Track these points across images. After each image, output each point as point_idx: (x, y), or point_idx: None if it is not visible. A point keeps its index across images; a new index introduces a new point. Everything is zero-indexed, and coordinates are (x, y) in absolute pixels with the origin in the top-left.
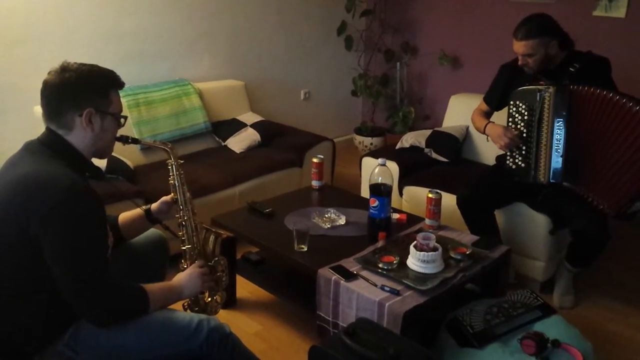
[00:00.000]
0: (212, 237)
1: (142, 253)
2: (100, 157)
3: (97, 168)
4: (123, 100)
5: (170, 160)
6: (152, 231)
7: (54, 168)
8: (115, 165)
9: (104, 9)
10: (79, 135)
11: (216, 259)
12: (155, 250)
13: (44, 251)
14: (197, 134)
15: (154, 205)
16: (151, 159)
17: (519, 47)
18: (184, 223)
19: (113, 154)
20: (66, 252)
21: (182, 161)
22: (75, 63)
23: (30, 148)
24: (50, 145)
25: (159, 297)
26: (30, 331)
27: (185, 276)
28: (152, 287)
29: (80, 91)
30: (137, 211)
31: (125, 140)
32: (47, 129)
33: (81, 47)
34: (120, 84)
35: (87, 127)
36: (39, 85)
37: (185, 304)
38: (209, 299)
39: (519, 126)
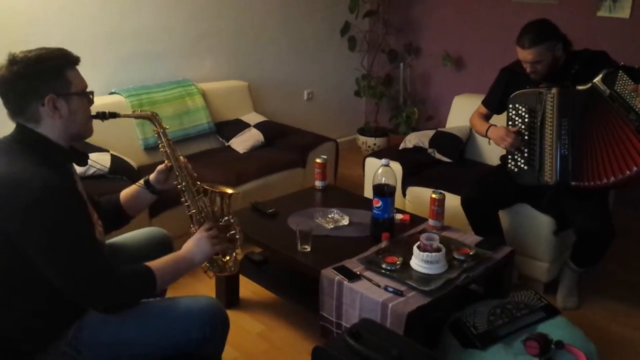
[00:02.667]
0: (218, 198)
1: (146, 252)
2: (80, 139)
3: (80, 153)
4: (127, 101)
5: (156, 129)
6: (156, 230)
7: (25, 168)
8: (119, 165)
9: (106, 10)
10: (48, 125)
11: (226, 217)
12: (159, 249)
13: (29, 254)
14: (201, 134)
15: (151, 176)
16: (155, 159)
17: (527, 55)
18: (183, 189)
19: (115, 153)
20: (51, 253)
21: (167, 127)
22: (22, 52)
23: (1, 147)
24: (22, 141)
25: (167, 271)
26: (31, 331)
27: (193, 242)
28: (156, 263)
29: (34, 81)
30: (136, 186)
31: (102, 116)
32: (17, 124)
33: (83, 47)
34: (74, 60)
35: (54, 114)
36: None
37: (204, 266)
38: (227, 258)
39: (519, 129)
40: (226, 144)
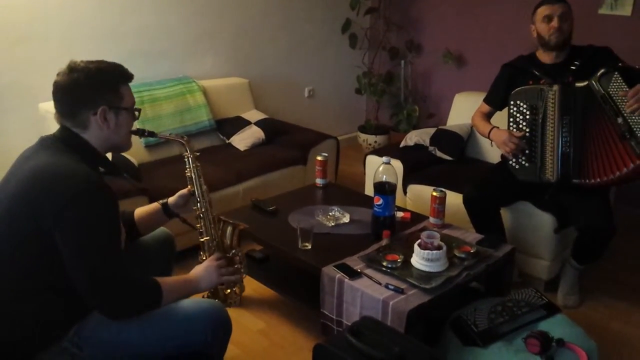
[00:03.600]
0: (229, 229)
1: (149, 251)
2: (118, 151)
3: (113, 163)
4: None
5: (187, 153)
6: (160, 229)
7: (68, 162)
8: (120, 162)
9: (107, 7)
10: (94, 133)
11: (234, 250)
12: (162, 248)
13: (58, 245)
14: (201, 131)
15: (171, 199)
16: (155, 157)
17: (558, 8)
18: (201, 215)
19: None
20: (80, 247)
21: (198, 153)
22: (82, 62)
23: (45, 143)
24: (65, 141)
25: (173, 290)
26: (35, 327)
27: (202, 269)
28: (166, 281)
29: (92, 91)
30: (153, 205)
31: (141, 133)
32: (62, 126)
33: (85, 45)
34: (129, 77)
35: (103, 124)
36: (43, 83)
37: (205, 295)
38: (228, 291)
39: (520, 126)
40: (227, 142)
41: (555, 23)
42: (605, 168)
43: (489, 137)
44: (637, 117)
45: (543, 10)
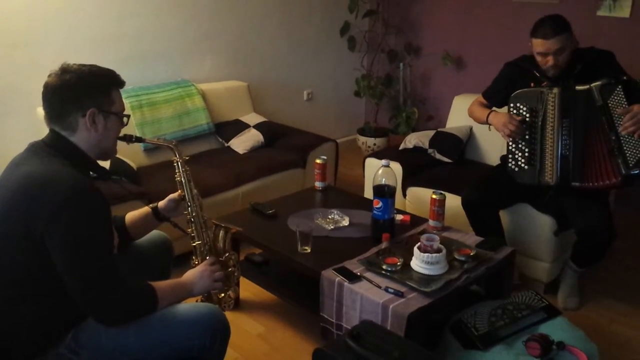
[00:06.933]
0: (222, 233)
1: (146, 255)
2: (105, 158)
3: (103, 168)
4: (126, 102)
5: (176, 158)
6: (156, 233)
7: (58, 168)
8: (118, 166)
9: (105, 11)
10: (83, 136)
11: (227, 254)
12: (159, 252)
13: (50, 251)
14: (200, 135)
15: (161, 203)
16: (154, 160)
17: (552, 44)
18: (192, 219)
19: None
20: (72, 252)
21: (187, 158)
22: (75, 64)
23: (34, 149)
24: (54, 146)
25: (168, 295)
26: (31, 334)
27: (196, 273)
28: (160, 285)
29: (82, 92)
30: (144, 210)
31: (129, 139)
32: (51, 130)
33: (83, 48)
34: (120, 83)
35: (91, 127)
36: (41, 88)
37: (198, 300)
38: (222, 295)
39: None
40: (226, 145)
41: (551, 61)
42: (600, 174)
43: (487, 122)
44: (628, 137)
45: (537, 45)
